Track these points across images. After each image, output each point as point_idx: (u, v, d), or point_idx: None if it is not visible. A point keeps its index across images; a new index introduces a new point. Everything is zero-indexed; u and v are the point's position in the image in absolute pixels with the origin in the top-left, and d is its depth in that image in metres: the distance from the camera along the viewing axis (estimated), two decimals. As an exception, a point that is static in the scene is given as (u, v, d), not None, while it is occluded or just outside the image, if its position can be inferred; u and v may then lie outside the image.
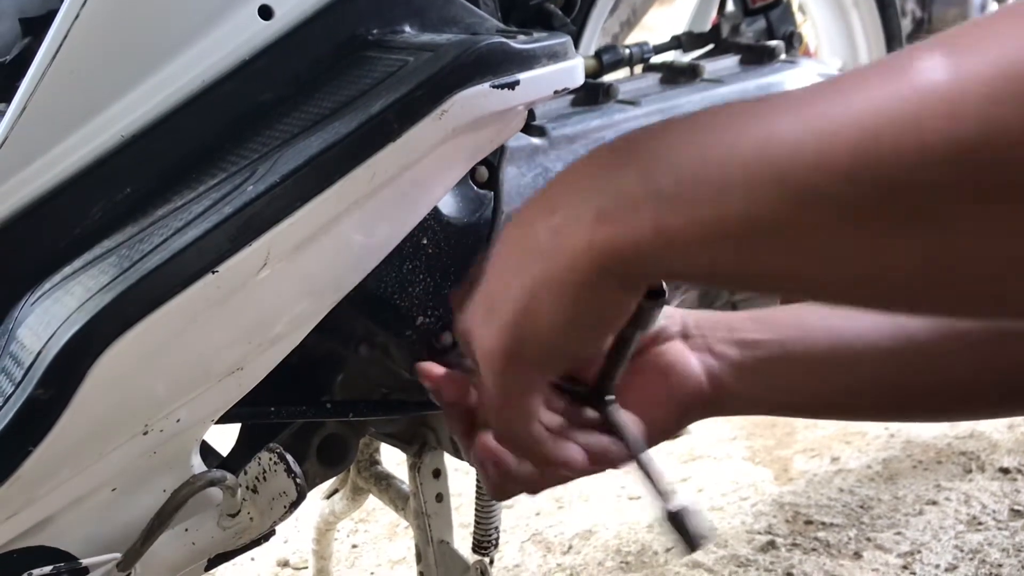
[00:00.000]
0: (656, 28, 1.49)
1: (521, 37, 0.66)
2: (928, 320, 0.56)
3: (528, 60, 0.63)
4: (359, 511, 1.37)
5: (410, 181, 0.61)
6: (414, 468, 0.93)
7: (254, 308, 0.57)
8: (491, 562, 0.91)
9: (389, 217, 0.61)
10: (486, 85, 0.60)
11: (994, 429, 1.47)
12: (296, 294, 0.58)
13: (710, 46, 1.02)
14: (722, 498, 1.37)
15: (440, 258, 0.70)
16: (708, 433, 1.56)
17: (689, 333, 0.59)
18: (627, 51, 0.91)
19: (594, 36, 1.05)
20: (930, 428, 1.51)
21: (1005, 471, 1.37)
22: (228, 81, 0.62)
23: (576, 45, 1.05)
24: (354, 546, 1.34)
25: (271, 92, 0.63)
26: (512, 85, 0.62)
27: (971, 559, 1.18)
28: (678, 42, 1.01)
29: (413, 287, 0.69)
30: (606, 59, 0.89)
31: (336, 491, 1.13)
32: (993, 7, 2.95)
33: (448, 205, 0.70)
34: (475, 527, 0.90)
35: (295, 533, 1.36)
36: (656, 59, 1.03)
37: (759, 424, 1.59)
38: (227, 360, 0.58)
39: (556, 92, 0.66)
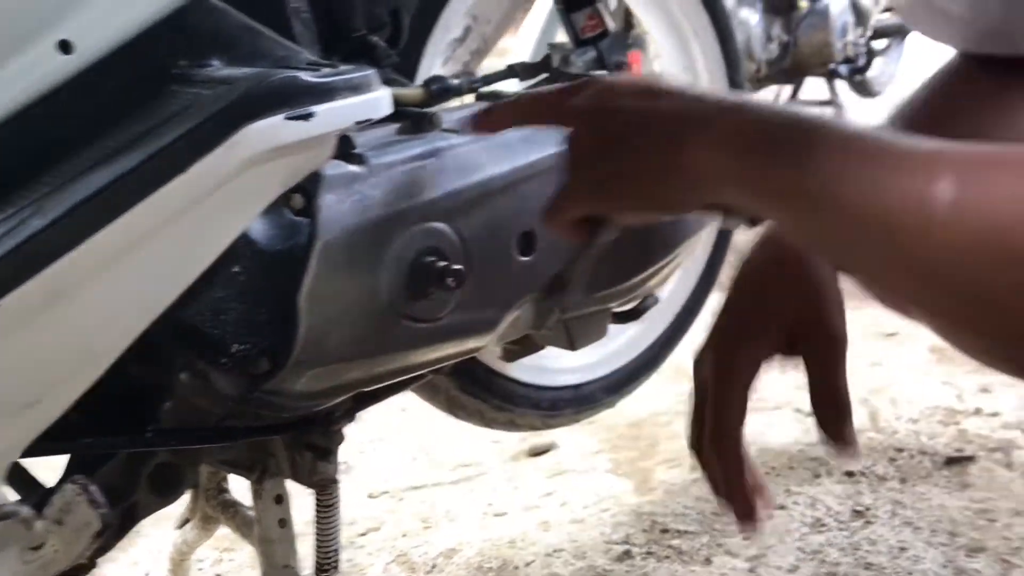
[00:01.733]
0: (510, 52, 1.53)
1: (323, 71, 0.68)
2: None
3: (325, 93, 0.65)
4: (225, 540, 1.37)
5: (206, 212, 0.62)
6: (256, 495, 0.94)
7: (43, 341, 0.57)
8: (333, 584, 0.92)
9: (186, 249, 0.62)
10: (279, 117, 0.62)
11: (842, 434, 1.55)
12: (88, 327, 0.59)
13: (544, 75, 1.06)
14: (583, 510, 1.41)
15: (252, 286, 0.71)
16: (573, 449, 1.60)
17: None
18: (456, 81, 0.93)
19: (432, 65, 1.08)
20: (784, 435, 1.57)
21: (850, 474, 1.44)
22: (24, 115, 0.63)
23: (412, 75, 1.08)
24: (218, 575, 1.33)
25: (69, 126, 0.64)
26: (306, 116, 0.64)
27: (811, 559, 1.24)
28: (513, 71, 1.04)
29: (226, 315, 0.71)
30: (434, 89, 0.91)
31: (187, 520, 1.12)
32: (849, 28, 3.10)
33: (261, 233, 0.72)
34: (316, 550, 0.91)
35: (155, 566, 1.34)
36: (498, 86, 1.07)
37: (623, 436, 1.64)
38: (20, 394, 0.58)
39: (358, 123, 0.68)
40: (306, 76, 0.64)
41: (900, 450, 1.49)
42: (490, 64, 1.31)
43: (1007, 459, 1.44)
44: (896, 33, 3.69)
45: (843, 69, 3.23)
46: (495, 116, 0.69)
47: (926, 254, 0.44)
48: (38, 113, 0.63)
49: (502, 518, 1.41)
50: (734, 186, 0.52)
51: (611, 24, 1.07)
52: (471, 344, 0.88)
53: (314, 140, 0.66)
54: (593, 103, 0.61)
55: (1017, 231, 0.42)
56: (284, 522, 0.95)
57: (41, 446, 0.66)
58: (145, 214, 0.58)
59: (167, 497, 0.85)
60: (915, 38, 4.00)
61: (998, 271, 0.42)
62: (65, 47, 0.65)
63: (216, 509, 1.05)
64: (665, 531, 1.33)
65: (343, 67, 0.70)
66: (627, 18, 1.52)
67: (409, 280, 0.79)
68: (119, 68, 0.66)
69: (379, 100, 0.69)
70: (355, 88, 0.67)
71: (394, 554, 1.34)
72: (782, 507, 1.36)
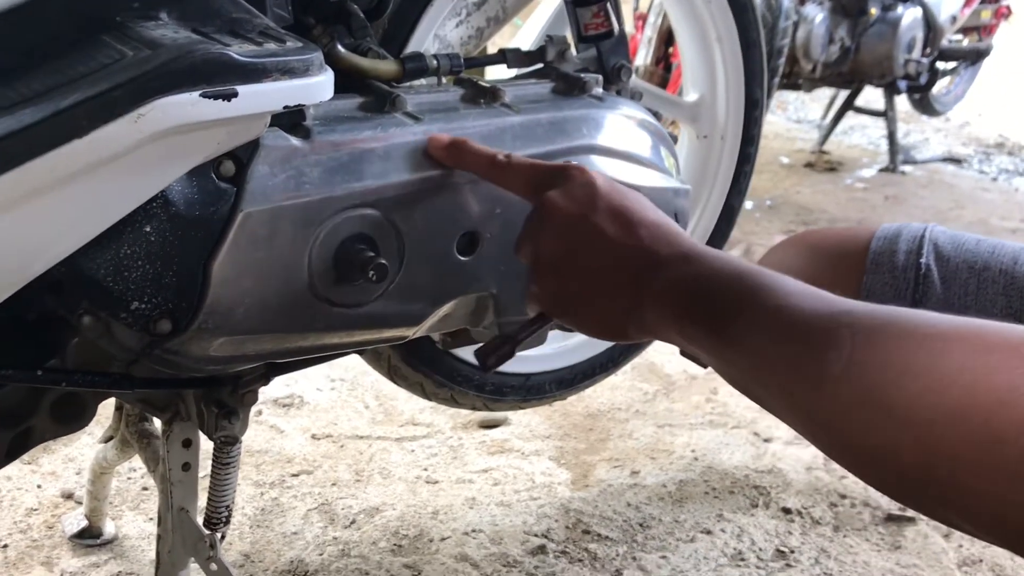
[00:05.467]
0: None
1: (264, 47, 0.66)
2: None
3: (254, 73, 0.63)
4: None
5: (108, 177, 0.61)
6: (165, 435, 0.94)
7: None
8: (222, 537, 0.93)
9: (83, 210, 0.61)
10: (195, 94, 0.60)
11: (792, 468, 1.53)
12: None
13: (536, 66, 1.02)
14: (514, 495, 1.41)
15: (164, 247, 0.70)
16: (524, 428, 1.60)
17: None
18: (435, 61, 0.91)
19: (427, 36, 1.05)
20: (734, 456, 1.56)
21: (787, 511, 1.42)
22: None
23: (405, 44, 1.05)
24: (144, 488, 1.35)
25: (-5, 60, 0.62)
26: (228, 96, 0.62)
27: (720, 592, 1.24)
28: (503, 57, 1.01)
29: (131, 272, 0.70)
30: (409, 67, 0.88)
31: (111, 438, 1.13)
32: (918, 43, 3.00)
33: (181, 195, 0.70)
34: (208, 502, 0.92)
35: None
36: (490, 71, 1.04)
37: (577, 427, 1.63)
38: None
39: (287, 107, 0.66)
40: (235, 53, 0.62)
41: (844, 496, 1.47)
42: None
43: (947, 527, 1.42)
44: (969, 56, 3.56)
45: (902, 84, 3.13)
46: (456, 151, 0.75)
47: (821, 407, 0.49)
48: (-38, 42, 0.62)
49: (433, 486, 1.42)
50: (676, 335, 0.60)
51: (616, 26, 1.03)
52: (394, 334, 0.87)
53: (238, 118, 0.64)
54: (572, 207, 0.66)
55: (894, 393, 0.46)
56: (188, 466, 0.95)
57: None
58: (36, 171, 0.57)
59: (68, 426, 0.86)
60: (988, 66, 3.87)
61: (880, 424, 0.46)
62: (5, -23, 0.63)
63: (133, 436, 1.06)
64: (587, 532, 1.33)
65: (289, 44, 0.68)
66: None
67: (333, 264, 0.78)
68: (57, 8, 0.65)
69: (315, 86, 0.67)
70: (290, 71, 0.65)
71: (319, 502, 1.36)
72: (708, 532, 1.35)
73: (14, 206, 0.58)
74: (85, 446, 1.42)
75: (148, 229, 0.69)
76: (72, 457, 1.40)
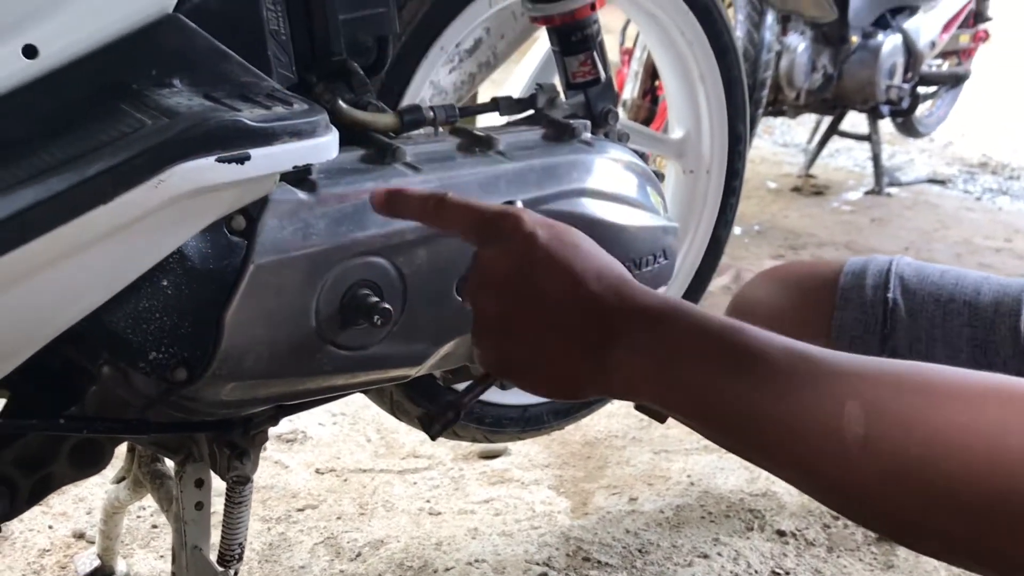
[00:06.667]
0: (502, 83, 1.53)
1: (272, 111, 0.70)
2: None
3: (265, 137, 0.68)
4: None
5: (129, 238, 0.65)
6: (178, 475, 0.98)
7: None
8: (235, 574, 0.96)
9: (107, 266, 0.65)
10: (211, 159, 0.65)
11: (786, 491, 1.57)
12: (2, 327, 0.62)
13: (528, 113, 1.07)
14: (515, 524, 1.44)
15: (180, 300, 0.74)
16: (523, 458, 1.63)
17: None
18: (431, 112, 0.95)
19: (422, 87, 1.10)
20: (729, 481, 1.60)
21: (781, 533, 1.46)
22: (-24, 114, 0.66)
23: (402, 94, 1.10)
24: (154, 527, 1.38)
25: (17, 131, 0.66)
26: (241, 159, 0.66)
27: (718, 615, 1.27)
28: (496, 105, 1.06)
29: (148, 324, 0.74)
30: (407, 119, 0.93)
31: (123, 478, 1.17)
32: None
33: (195, 250, 0.74)
34: (221, 540, 0.95)
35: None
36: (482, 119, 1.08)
37: (575, 455, 1.67)
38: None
39: (296, 167, 0.71)
40: (247, 119, 0.66)
41: (836, 518, 1.51)
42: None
43: (939, 546, 1.46)
44: (948, 80, 3.63)
45: (884, 109, 3.19)
46: (392, 202, 0.69)
47: (843, 484, 0.48)
48: (-9, 113, 0.66)
49: (436, 517, 1.45)
50: (648, 399, 0.55)
51: (602, 73, 1.08)
52: (398, 373, 0.91)
53: (251, 179, 0.68)
54: (509, 266, 0.60)
55: (922, 469, 0.45)
56: (201, 505, 0.99)
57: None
58: (65, 236, 0.61)
59: (86, 470, 0.89)
60: (970, 87, 3.94)
61: (908, 502, 0.46)
62: (30, 52, 0.68)
63: (146, 476, 1.10)
64: (587, 559, 1.37)
65: (296, 106, 0.72)
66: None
67: (339, 310, 0.82)
68: (78, 78, 0.69)
69: (322, 146, 0.72)
70: (298, 133, 0.70)
71: (325, 535, 1.39)
72: (705, 556, 1.39)
73: (44, 268, 0.62)
74: (95, 486, 1.45)
75: (165, 283, 0.73)
76: (82, 497, 1.43)
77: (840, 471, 0.47)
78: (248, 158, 0.66)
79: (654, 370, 0.54)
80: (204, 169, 0.64)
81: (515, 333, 0.59)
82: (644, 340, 0.55)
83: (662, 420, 0.60)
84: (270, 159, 0.68)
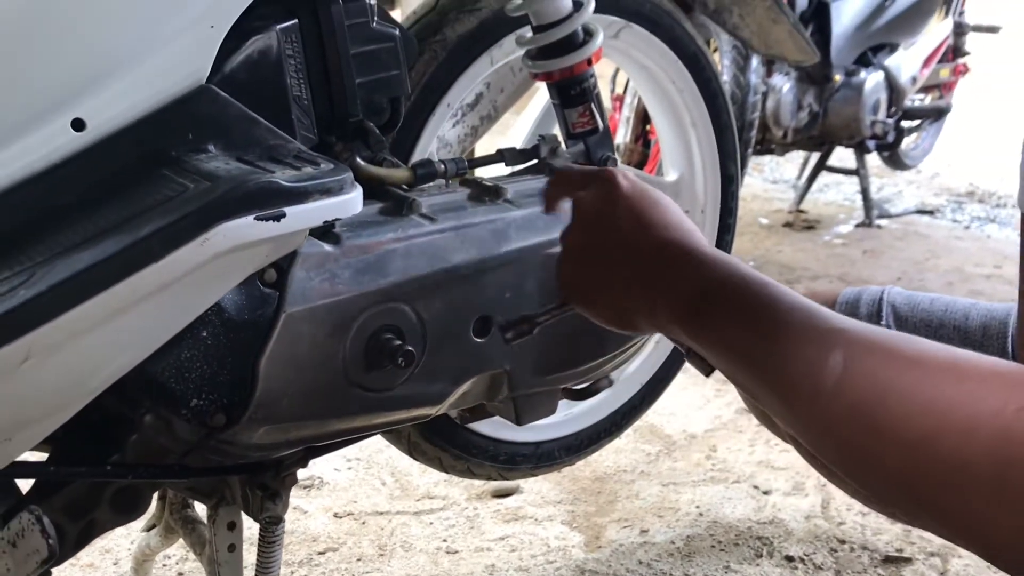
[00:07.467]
0: (506, 133, 1.61)
1: (303, 171, 0.76)
2: None
3: (297, 196, 0.73)
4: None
5: (177, 291, 0.70)
6: (211, 519, 1.02)
7: (17, 393, 0.66)
8: (269, 612, 1.00)
9: (155, 320, 0.71)
10: (250, 218, 0.70)
11: (792, 518, 1.61)
12: (56, 384, 0.67)
13: (532, 162, 1.13)
14: (531, 559, 1.48)
15: (218, 349, 0.80)
16: (536, 495, 1.67)
17: None
18: (442, 166, 1.01)
19: (431, 141, 1.16)
20: (737, 510, 1.64)
21: (790, 559, 1.50)
22: (30, 184, 0.71)
23: (413, 148, 1.16)
24: (180, 574, 1.42)
25: (68, 198, 0.72)
26: (277, 217, 0.72)
27: (732, 640, 1.31)
28: (501, 156, 1.12)
29: (190, 373, 0.79)
30: (420, 173, 0.99)
31: (154, 526, 1.21)
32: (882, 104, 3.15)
33: (231, 302, 0.80)
34: (255, 579, 0.99)
35: (127, 557, 1.43)
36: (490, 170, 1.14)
37: (586, 490, 1.71)
38: (-7, 432, 0.67)
39: (326, 222, 0.76)
40: (282, 180, 0.72)
41: (843, 542, 1.55)
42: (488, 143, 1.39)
43: (944, 566, 1.50)
44: (931, 114, 3.73)
45: (870, 144, 3.28)
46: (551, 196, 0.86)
47: (815, 418, 0.55)
48: (44, 184, 0.72)
49: (453, 556, 1.49)
50: (683, 335, 0.66)
51: (600, 123, 1.14)
52: (420, 412, 0.96)
53: (284, 235, 0.74)
54: (594, 206, 0.74)
55: (880, 413, 0.52)
56: (233, 547, 1.03)
57: (7, 470, 0.75)
58: (119, 294, 0.66)
59: (127, 516, 0.94)
60: (953, 118, 4.03)
61: (868, 438, 0.52)
62: (79, 125, 0.74)
63: (177, 522, 1.14)
64: (602, 591, 1.40)
65: (323, 166, 0.78)
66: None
67: (365, 354, 0.87)
68: (123, 148, 0.75)
69: (349, 202, 0.77)
70: (327, 191, 0.75)
71: (346, 577, 1.42)
72: (717, 584, 1.43)
73: (99, 325, 0.67)
74: (120, 537, 1.49)
75: (205, 334, 0.79)
76: (108, 548, 1.47)
77: (811, 408, 0.54)
78: (283, 215, 0.72)
79: (689, 309, 0.63)
80: (244, 227, 0.70)
81: (591, 262, 0.72)
82: (683, 280, 0.65)
83: (707, 373, 0.70)
84: (303, 216, 0.73)
